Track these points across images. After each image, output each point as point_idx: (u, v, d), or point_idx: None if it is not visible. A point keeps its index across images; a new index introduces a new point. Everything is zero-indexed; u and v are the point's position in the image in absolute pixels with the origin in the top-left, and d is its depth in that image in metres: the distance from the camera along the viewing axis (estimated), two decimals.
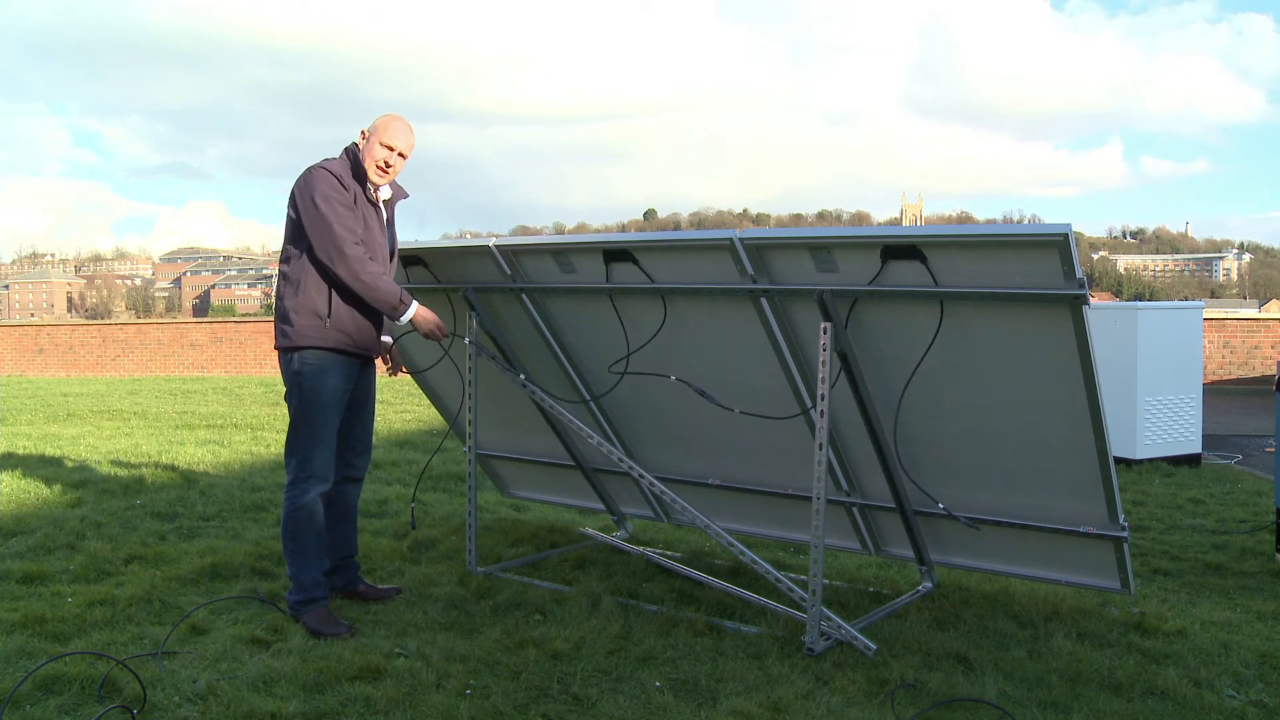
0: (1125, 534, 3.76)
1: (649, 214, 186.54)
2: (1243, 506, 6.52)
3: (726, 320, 4.02)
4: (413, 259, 4.77)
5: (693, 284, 3.97)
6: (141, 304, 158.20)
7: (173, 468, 7.80)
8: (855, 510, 4.48)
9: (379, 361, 4.26)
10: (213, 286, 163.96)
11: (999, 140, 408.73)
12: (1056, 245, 3.10)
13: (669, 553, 5.15)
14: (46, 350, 23.77)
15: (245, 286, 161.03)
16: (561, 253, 4.27)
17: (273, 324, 4.17)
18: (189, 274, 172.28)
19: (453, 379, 5.19)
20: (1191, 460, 8.13)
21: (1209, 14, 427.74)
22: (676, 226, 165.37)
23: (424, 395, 5.61)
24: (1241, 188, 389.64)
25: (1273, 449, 8.71)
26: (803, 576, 4.41)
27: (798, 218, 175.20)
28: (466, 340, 4.62)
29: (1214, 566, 5.11)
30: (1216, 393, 14.54)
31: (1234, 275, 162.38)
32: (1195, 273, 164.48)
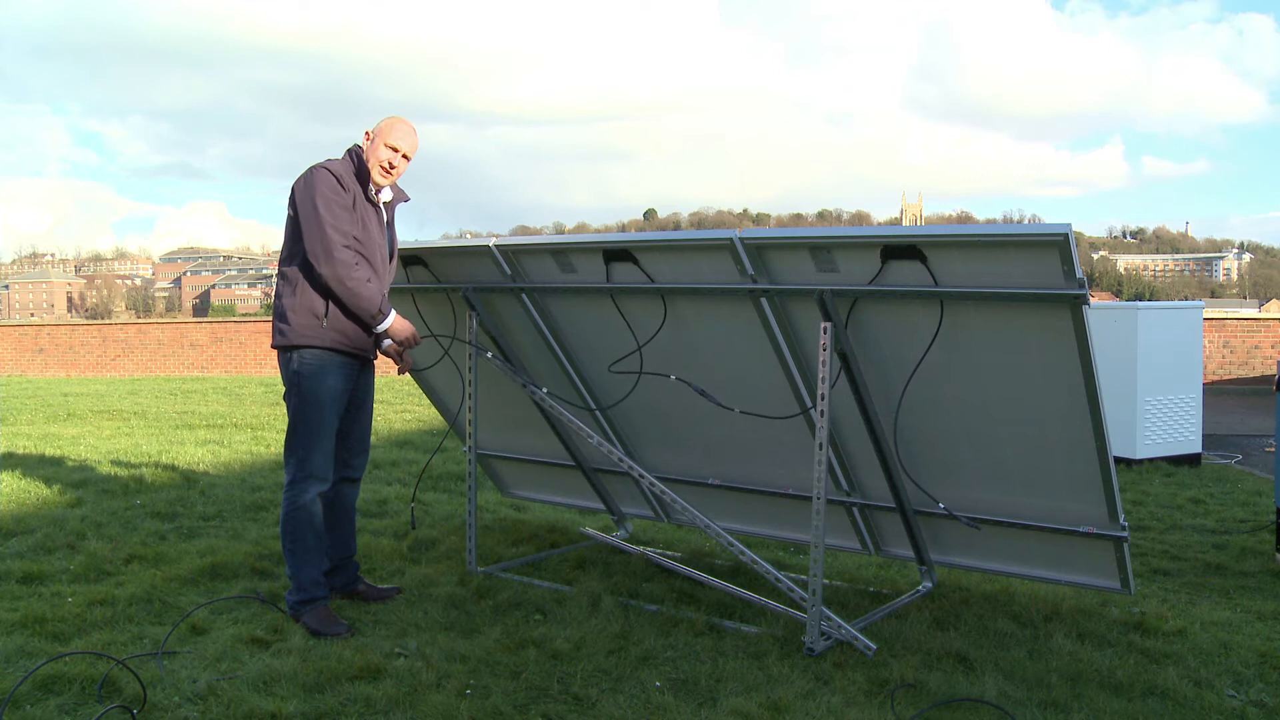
0: (1125, 534, 3.76)
1: (649, 214, 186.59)
2: (1243, 506, 6.52)
3: (726, 320, 4.01)
4: (413, 259, 4.77)
5: (693, 284, 3.97)
6: (141, 304, 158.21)
7: (173, 468, 7.80)
8: (855, 510, 4.48)
9: (393, 361, 4.26)
10: (213, 286, 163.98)
11: (999, 140, 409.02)
12: (1057, 245, 3.10)
13: (669, 553, 5.15)
14: (46, 350, 23.78)
15: (245, 286, 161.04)
16: (561, 253, 4.27)
17: (271, 323, 4.18)
18: (189, 274, 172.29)
19: (453, 379, 5.19)
20: (1191, 460, 8.13)
21: (1209, 14, 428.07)
22: (676, 226, 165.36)
23: (424, 395, 5.60)
24: (1242, 188, 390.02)
25: (1273, 449, 8.71)
26: (803, 576, 4.41)
27: (798, 218, 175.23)
28: (468, 340, 4.62)
29: (1214, 566, 5.11)
30: (1216, 393, 14.54)
31: (1234, 275, 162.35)
32: (1195, 273, 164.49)
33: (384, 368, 20.49)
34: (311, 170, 4.01)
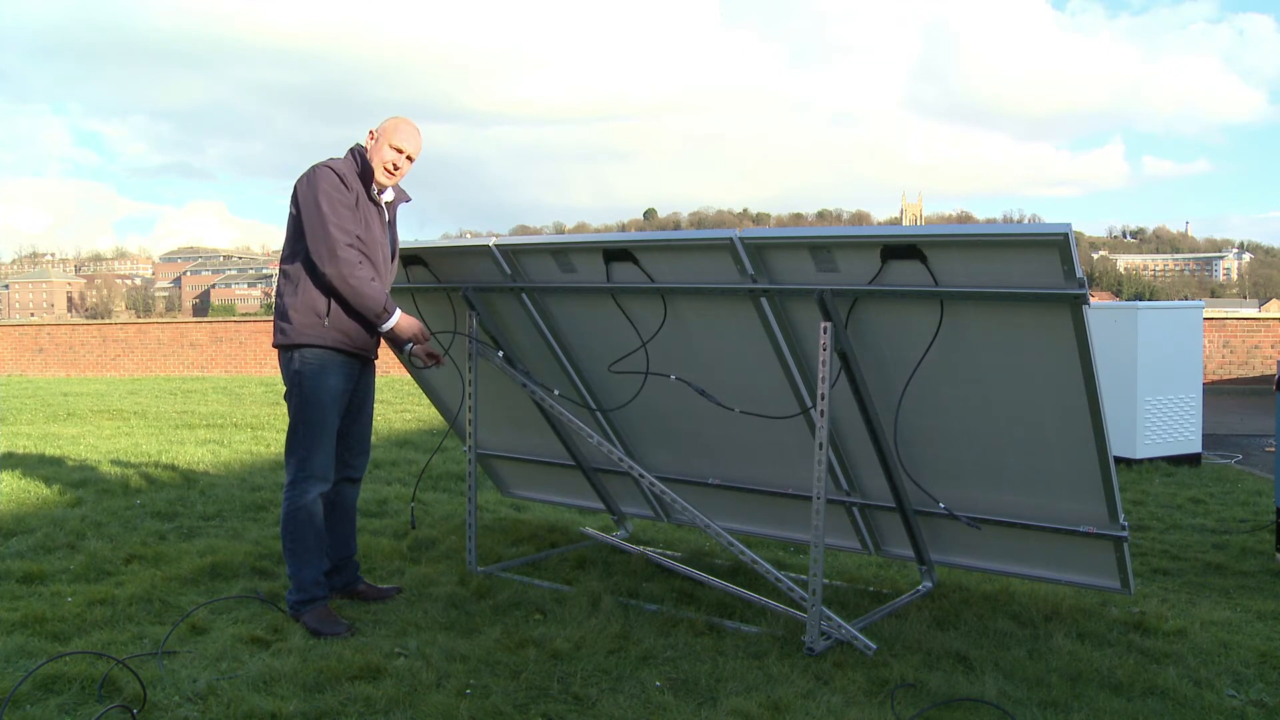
0: (1125, 534, 3.76)
1: (649, 214, 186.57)
2: (1243, 506, 6.52)
3: (726, 320, 4.01)
4: (413, 258, 4.77)
5: (693, 284, 3.97)
6: (141, 304, 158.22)
7: (173, 468, 7.80)
8: (855, 510, 4.48)
9: (421, 363, 4.26)
10: (213, 286, 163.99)
11: (1000, 140, 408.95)
12: (1057, 245, 3.10)
13: (669, 553, 5.15)
14: (46, 350, 23.77)
15: (245, 286, 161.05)
16: (561, 252, 4.27)
17: (272, 322, 4.18)
18: (189, 274, 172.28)
19: (453, 379, 5.19)
20: (1191, 460, 8.13)
21: (1210, 14, 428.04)
22: (676, 226, 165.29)
23: (424, 395, 5.60)
24: (1242, 188, 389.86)
25: (1273, 449, 8.71)
26: (803, 576, 4.41)
27: (798, 217, 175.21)
28: (470, 335, 4.62)
29: (1214, 566, 5.11)
30: (1216, 393, 14.54)
31: (1234, 275, 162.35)
32: (1195, 272, 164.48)
33: (386, 367, 20.53)
34: (314, 168, 4.00)
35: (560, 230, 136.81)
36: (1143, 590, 4.59)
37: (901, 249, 3.39)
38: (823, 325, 3.60)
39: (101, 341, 23.60)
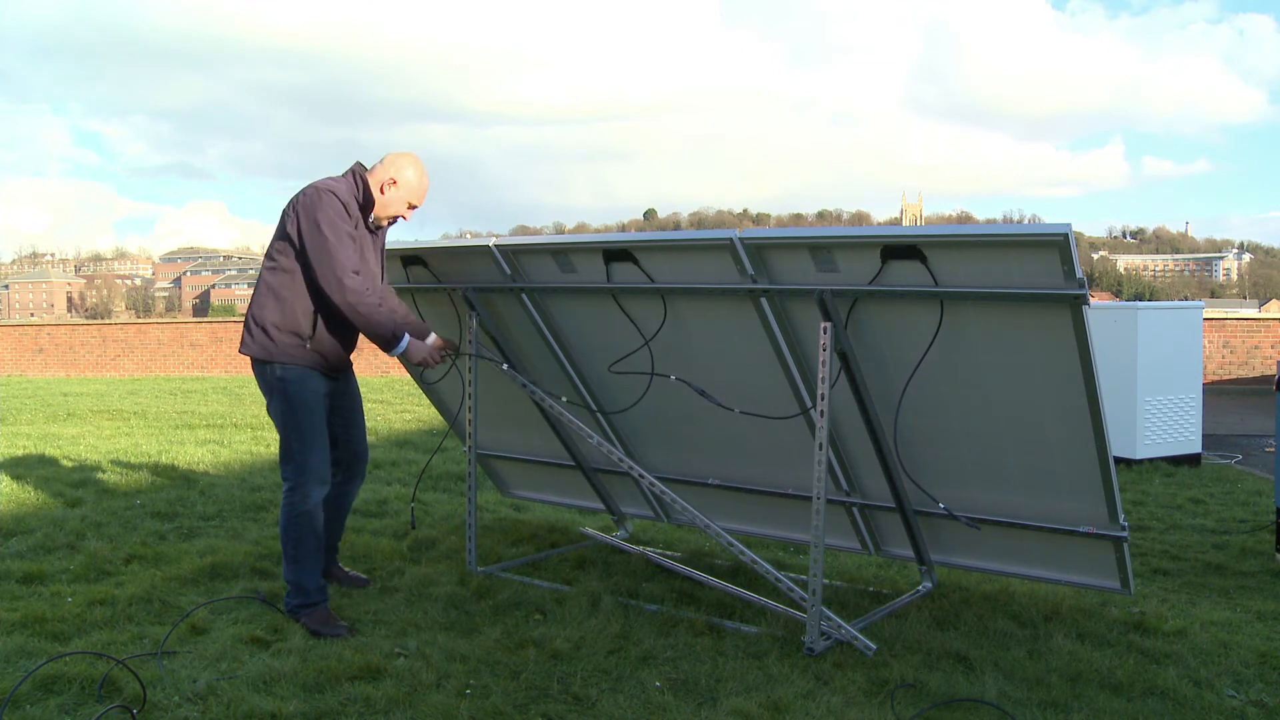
0: (1125, 534, 3.76)
1: (649, 214, 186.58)
2: (1243, 506, 6.52)
3: (726, 320, 4.01)
4: (413, 259, 4.77)
5: (693, 284, 3.97)
6: (141, 304, 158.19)
7: (173, 468, 7.80)
8: (855, 510, 4.48)
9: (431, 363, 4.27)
10: (213, 286, 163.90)
11: (1000, 140, 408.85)
12: (1057, 245, 3.10)
13: (669, 553, 5.15)
14: (46, 350, 23.77)
15: (245, 286, 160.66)
16: (561, 253, 4.27)
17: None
18: (189, 274, 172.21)
19: (453, 379, 5.19)
20: (1191, 460, 8.13)
21: (1210, 14, 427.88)
22: (676, 226, 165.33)
23: (424, 395, 5.60)
24: (1242, 188, 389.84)
25: (1273, 449, 8.71)
26: (803, 576, 4.41)
27: (798, 217, 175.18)
28: (470, 340, 4.63)
29: (1214, 566, 5.11)
30: (1216, 393, 14.54)
31: (1234, 275, 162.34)
32: (1195, 273, 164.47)
33: (386, 367, 20.50)
34: (319, 192, 3.92)
35: (560, 230, 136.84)
36: (1143, 590, 4.59)
37: (901, 249, 3.39)
38: (823, 325, 3.60)
39: (101, 342, 23.59)
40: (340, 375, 4.22)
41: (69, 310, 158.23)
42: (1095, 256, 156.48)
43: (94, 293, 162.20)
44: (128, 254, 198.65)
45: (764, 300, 3.82)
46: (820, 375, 3.65)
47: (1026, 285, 3.25)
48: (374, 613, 4.16)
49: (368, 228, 4.08)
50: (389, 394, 15.22)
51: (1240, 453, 8.98)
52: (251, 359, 4.04)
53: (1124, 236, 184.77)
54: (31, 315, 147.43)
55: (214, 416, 12.15)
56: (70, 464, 7.94)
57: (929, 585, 4.47)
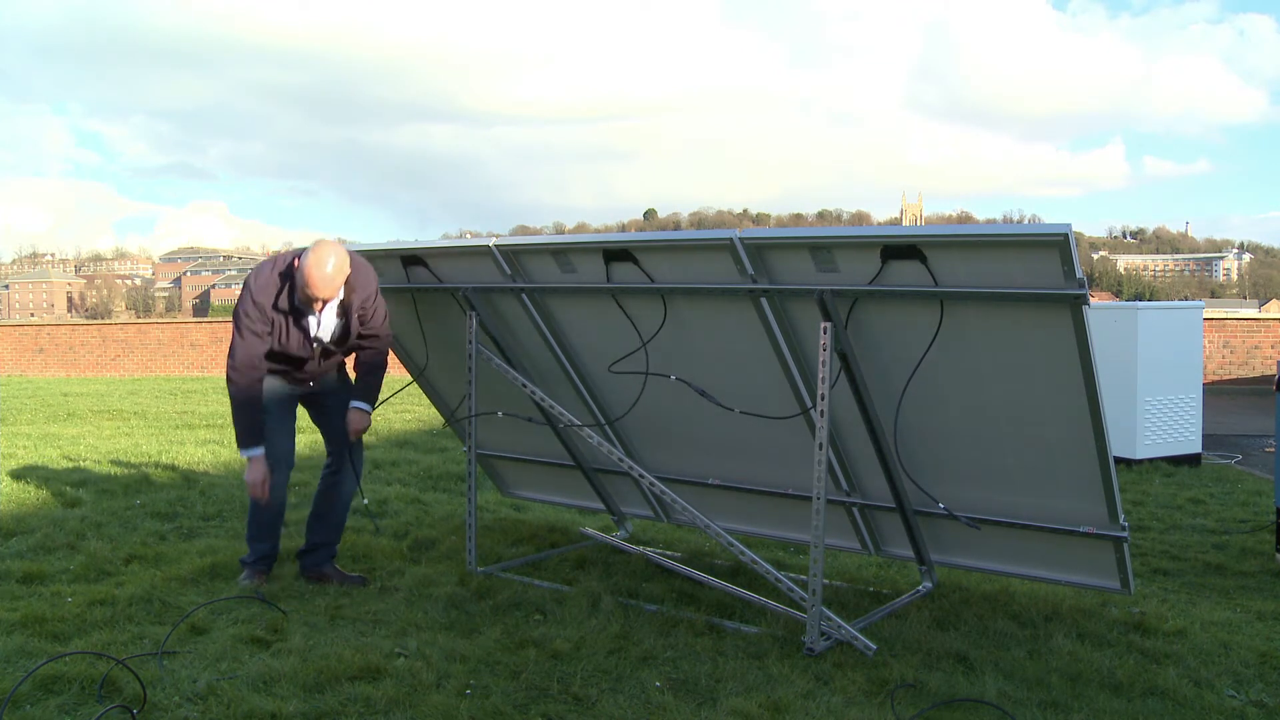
0: (1125, 534, 3.76)
1: (649, 214, 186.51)
2: (1243, 506, 6.52)
3: (726, 320, 4.01)
4: (413, 259, 4.77)
5: (693, 284, 3.97)
6: (141, 304, 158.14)
7: (173, 468, 7.80)
8: (855, 510, 4.48)
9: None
10: (213, 286, 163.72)
11: (1001, 141, 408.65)
12: (1057, 245, 3.10)
13: (669, 553, 5.15)
14: (46, 350, 23.77)
15: None
16: (561, 253, 4.27)
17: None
18: (189, 274, 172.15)
19: (453, 379, 5.20)
20: (1191, 460, 8.13)
21: (1210, 14, 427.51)
22: (676, 226, 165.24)
23: (424, 395, 5.60)
24: (1242, 188, 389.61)
25: (1273, 449, 8.70)
26: (803, 576, 4.41)
27: (798, 218, 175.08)
28: (469, 341, 4.63)
29: (1214, 566, 5.11)
30: (1216, 393, 14.54)
31: (1234, 275, 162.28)
32: (1195, 273, 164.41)
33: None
34: (245, 289, 4.31)
35: (560, 230, 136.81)
36: (1143, 590, 4.59)
37: (901, 249, 3.39)
38: (823, 325, 3.60)
39: (101, 342, 23.59)
40: (307, 383, 4.58)
41: (69, 310, 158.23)
42: (1095, 256, 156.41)
43: (94, 293, 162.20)
44: (128, 254, 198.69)
45: (764, 300, 3.82)
46: (820, 375, 3.65)
47: (1027, 285, 3.25)
48: (374, 613, 4.16)
49: (297, 307, 4.31)
50: (389, 394, 15.21)
51: (1240, 453, 8.98)
52: None
53: (1124, 236, 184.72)
54: (32, 315, 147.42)
55: (214, 416, 12.15)
56: (70, 464, 7.94)
57: (929, 585, 4.47)
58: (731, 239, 3.72)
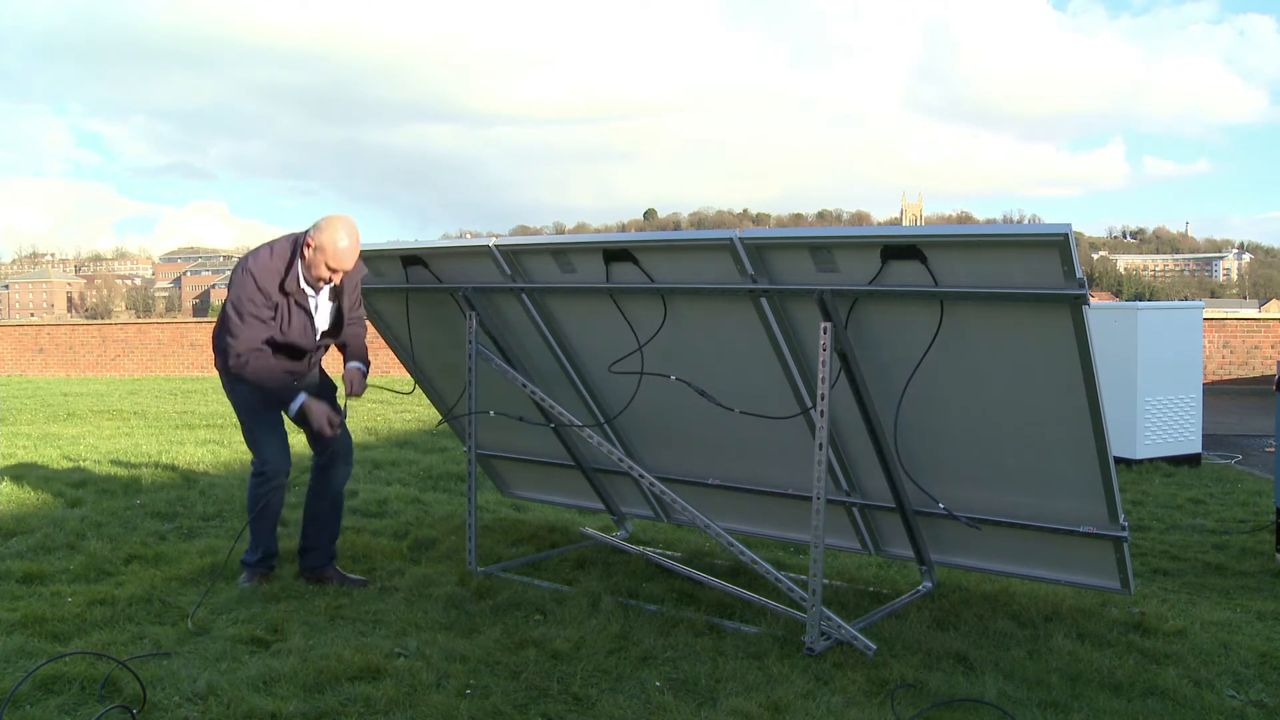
0: (1125, 534, 3.76)
1: (649, 214, 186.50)
2: (1243, 506, 6.52)
3: (726, 320, 4.01)
4: (413, 259, 4.77)
5: (693, 284, 3.97)
6: (141, 304, 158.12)
7: (173, 468, 7.80)
8: (855, 510, 4.48)
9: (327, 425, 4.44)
10: (213, 286, 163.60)
11: (1002, 141, 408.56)
12: (1057, 245, 3.10)
13: (669, 553, 5.15)
14: (46, 350, 23.77)
15: None
16: (561, 253, 4.27)
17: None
18: (189, 274, 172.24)
19: (453, 379, 5.20)
20: (1191, 460, 8.13)
21: (1211, 15, 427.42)
22: (676, 226, 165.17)
23: (424, 395, 5.60)
24: (1242, 188, 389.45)
25: (1273, 449, 8.71)
26: (803, 576, 4.41)
27: (798, 218, 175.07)
28: (469, 341, 4.63)
29: (1214, 566, 5.11)
30: (1216, 393, 14.54)
31: (1234, 275, 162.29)
32: (1195, 273, 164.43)
33: (387, 367, 20.51)
34: (242, 272, 4.25)
35: (560, 230, 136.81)
36: (1143, 590, 4.59)
37: (901, 249, 3.39)
38: (823, 325, 3.60)
39: (101, 342, 23.59)
40: (303, 375, 4.50)
41: (69, 310, 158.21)
42: (1095, 256, 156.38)
43: (94, 293, 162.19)
44: (128, 254, 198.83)
45: (764, 300, 3.82)
46: (820, 375, 3.64)
47: (1027, 285, 3.25)
48: (374, 613, 4.16)
49: (303, 289, 4.30)
50: (389, 394, 15.22)
51: (1240, 453, 8.98)
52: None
53: (1124, 236, 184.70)
54: (31, 315, 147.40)
55: (214, 416, 12.15)
56: (70, 464, 7.94)
57: (929, 585, 4.47)
58: (731, 239, 3.72)
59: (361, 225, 4.51)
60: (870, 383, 3.80)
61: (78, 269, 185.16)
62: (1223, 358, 15.98)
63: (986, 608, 4.26)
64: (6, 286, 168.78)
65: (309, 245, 4.23)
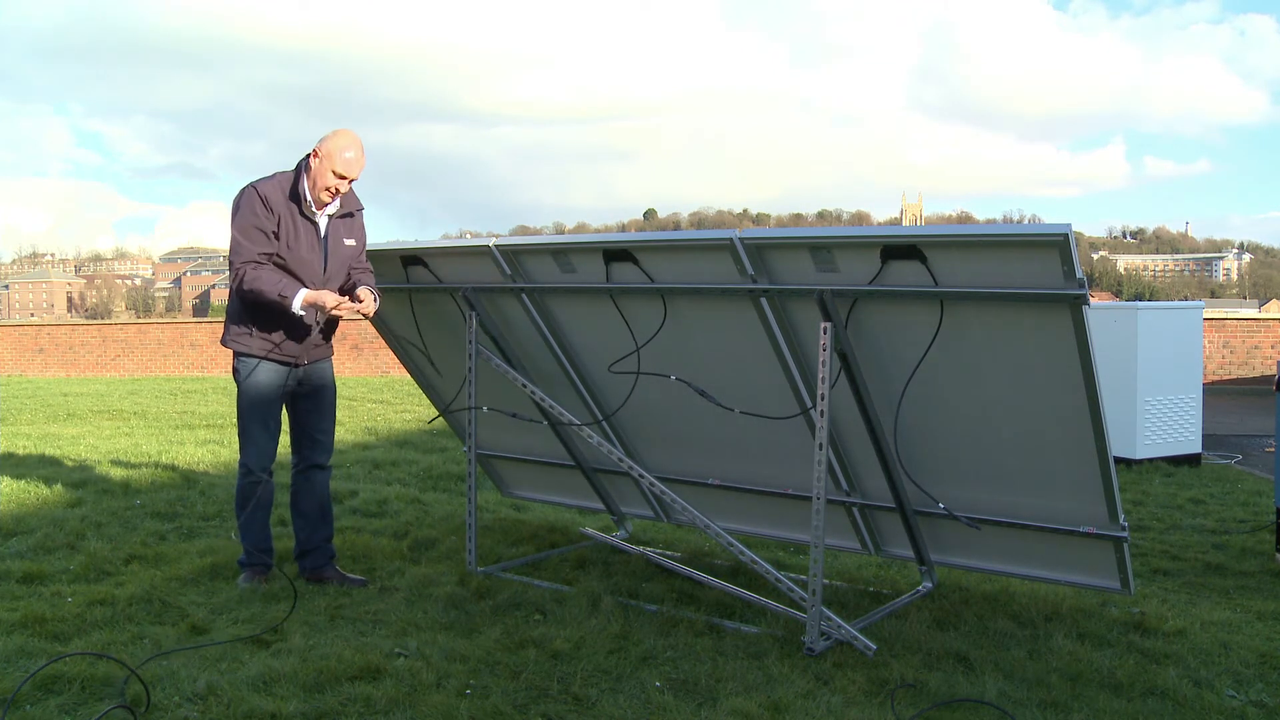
0: (1125, 534, 3.76)
1: (649, 214, 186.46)
2: (1243, 506, 6.52)
3: (726, 320, 4.01)
4: (413, 259, 4.77)
5: (693, 284, 3.97)
6: (141, 304, 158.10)
7: (173, 468, 7.80)
8: (855, 510, 4.48)
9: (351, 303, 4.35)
10: (213, 286, 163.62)
11: (1002, 141, 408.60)
12: (1057, 245, 3.10)
13: (669, 553, 5.15)
14: (46, 350, 23.77)
15: None
16: (561, 253, 4.27)
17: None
18: (189, 274, 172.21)
19: (453, 379, 5.20)
20: (1191, 460, 8.13)
21: (1211, 15, 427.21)
22: (676, 226, 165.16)
23: (424, 395, 5.60)
24: (1242, 188, 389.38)
25: (1273, 449, 8.71)
26: (803, 576, 4.41)
27: (798, 218, 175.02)
28: (469, 341, 4.63)
29: (1214, 566, 5.11)
30: (1216, 393, 14.54)
31: (1234, 275, 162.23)
32: (1195, 273, 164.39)
33: (387, 367, 20.46)
34: (243, 189, 4.24)
35: (560, 230, 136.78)
36: (1143, 590, 4.59)
37: (902, 249, 3.40)
38: (823, 325, 3.60)
39: (101, 342, 23.59)
40: (305, 364, 4.44)
41: (69, 310, 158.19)
42: (1095, 256, 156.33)
43: (94, 293, 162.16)
44: (128, 254, 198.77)
45: (764, 300, 3.82)
46: (820, 375, 3.65)
47: (1026, 285, 3.25)
48: (374, 613, 4.16)
49: (305, 216, 4.26)
50: (389, 394, 15.23)
51: (1240, 453, 8.98)
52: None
53: (1124, 236, 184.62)
54: (32, 315, 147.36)
55: (214, 416, 12.15)
56: (70, 464, 7.94)
57: (929, 585, 4.47)
58: (731, 239, 3.72)
59: None
60: (870, 383, 3.80)
61: (78, 269, 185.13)
62: (1223, 358, 15.98)
63: (986, 608, 4.26)
64: (6, 286, 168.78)
65: (314, 155, 4.22)
